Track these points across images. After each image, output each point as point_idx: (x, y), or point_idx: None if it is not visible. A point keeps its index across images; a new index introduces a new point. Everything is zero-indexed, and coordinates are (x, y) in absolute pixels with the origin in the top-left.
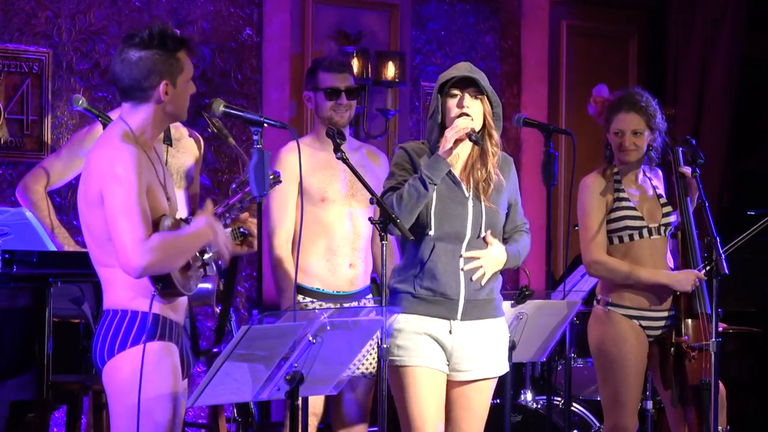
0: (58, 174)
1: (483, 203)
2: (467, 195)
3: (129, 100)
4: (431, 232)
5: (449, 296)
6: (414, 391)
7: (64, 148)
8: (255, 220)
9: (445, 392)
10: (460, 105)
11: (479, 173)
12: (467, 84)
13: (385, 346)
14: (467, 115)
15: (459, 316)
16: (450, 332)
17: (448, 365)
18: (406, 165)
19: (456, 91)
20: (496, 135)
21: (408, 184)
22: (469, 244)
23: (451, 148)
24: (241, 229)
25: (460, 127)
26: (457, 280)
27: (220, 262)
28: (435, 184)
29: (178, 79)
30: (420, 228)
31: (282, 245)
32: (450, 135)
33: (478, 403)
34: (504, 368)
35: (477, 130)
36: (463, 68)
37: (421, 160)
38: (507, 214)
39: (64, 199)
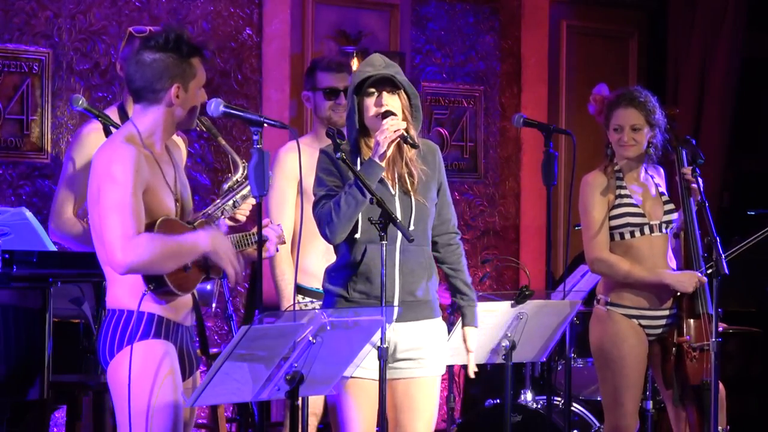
0: (72, 192)
1: (412, 198)
2: (393, 192)
3: (140, 101)
4: (358, 235)
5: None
6: (344, 402)
7: (65, 166)
8: (275, 225)
9: (377, 401)
10: (378, 104)
11: (401, 167)
12: (383, 80)
13: (385, 345)
14: (393, 114)
15: (394, 317)
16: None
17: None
18: (332, 169)
19: (373, 89)
20: (412, 129)
21: (344, 192)
22: (403, 242)
23: (385, 152)
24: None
25: (391, 130)
26: (392, 282)
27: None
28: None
29: (191, 84)
30: (350, 231)
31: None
32: (382, 139)
33: (422, 402)
34: (441, 369)
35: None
36: (377, 65)
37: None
38: (435, 207)
39: None
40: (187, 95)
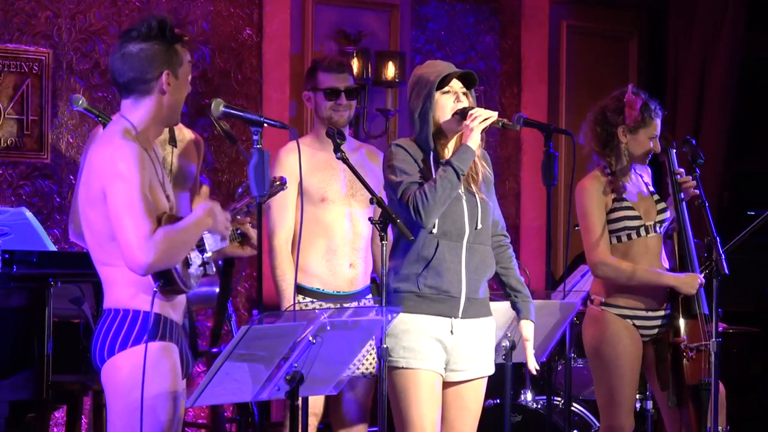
0: None
1: (476, 196)
2: (460, 190)
3: (130, 95)
4: (434, 230)
5: (452, 294)
6: (416, 395)
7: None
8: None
9: (440, 394)
10: (458, 100)
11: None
12: (460, 78)
13: (385, 346)
14: (470, 109)
15: (460, 313)
16: (452, 332)
17: (446, 367)
18: (412, 160)
19: (448, 88)
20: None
21: (439, 176)
22: (469, 240)
23: (477, 138)
24: (238, 231)
25: (484, 116)
26: (459, 278)
27: (220, 262)
28: (464, 174)
29: (179, 71)
30: (421, 227)
31: (282, 245)
32: (475, 124)
33: (473, 402)
34: (492, 369)
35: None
36: (446, 66)
37: (415, 157)
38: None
39: (65, 200)
40: (178, 82)
